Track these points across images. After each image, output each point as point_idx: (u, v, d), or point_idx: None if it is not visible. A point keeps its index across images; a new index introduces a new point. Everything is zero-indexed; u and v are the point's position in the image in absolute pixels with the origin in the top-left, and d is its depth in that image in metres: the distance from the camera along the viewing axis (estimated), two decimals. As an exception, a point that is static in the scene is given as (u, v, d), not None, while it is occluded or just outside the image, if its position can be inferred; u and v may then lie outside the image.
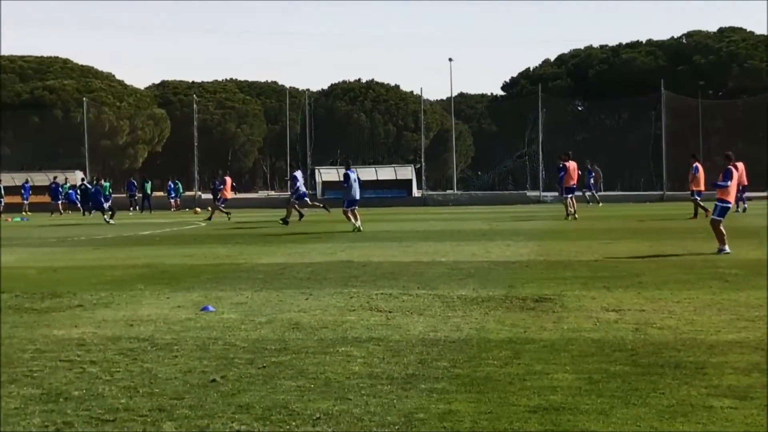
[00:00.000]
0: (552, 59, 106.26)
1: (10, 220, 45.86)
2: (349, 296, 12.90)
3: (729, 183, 19.04)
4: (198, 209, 52.52)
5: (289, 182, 40.86)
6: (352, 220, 28.51)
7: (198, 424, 6.39)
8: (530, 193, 63.00)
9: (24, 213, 53.71)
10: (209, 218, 40.36)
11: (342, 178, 30.60)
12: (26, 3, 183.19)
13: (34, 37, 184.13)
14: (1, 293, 13.98)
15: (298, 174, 35.91)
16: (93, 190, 44.08)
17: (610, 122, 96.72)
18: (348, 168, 30.07)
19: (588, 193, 46.29)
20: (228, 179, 44.40)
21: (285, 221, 33.00)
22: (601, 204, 44.78)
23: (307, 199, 35.50)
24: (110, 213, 40.21)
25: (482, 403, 6.84)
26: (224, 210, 41.00)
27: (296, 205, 35.05)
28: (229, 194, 44.73)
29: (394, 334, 9.76)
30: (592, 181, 47.54)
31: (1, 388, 7.58)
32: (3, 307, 12.53)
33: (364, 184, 61.81)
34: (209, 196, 59.75)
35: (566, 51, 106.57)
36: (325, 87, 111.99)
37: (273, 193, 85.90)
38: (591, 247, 20.56)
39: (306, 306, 12.02)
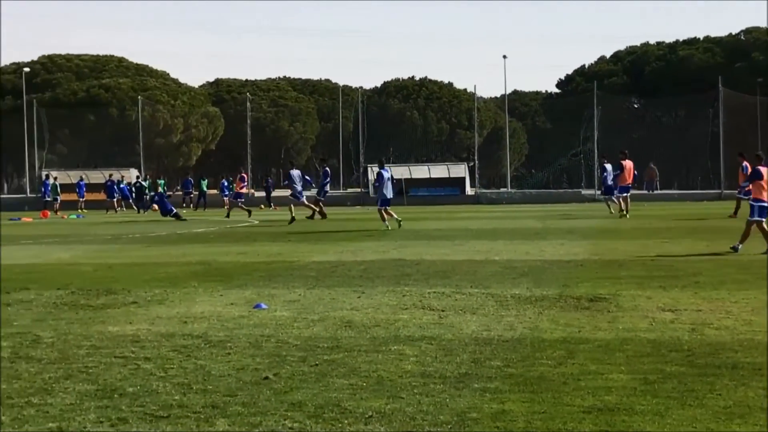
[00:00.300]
0: (608, 56, 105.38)
1: (66, 217, 46.49)
2: (401, 294, 12.90)
3: (751, 183, 19.47)
4: (262, 206, 53.14)
5: (286, 182, 41.18)
6: (386, 219, 28.65)
7: (251, 421, 6.43)
8: (585, 192, 62.56)
9: (80, 210, 54.43)
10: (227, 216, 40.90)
11: (375, 177, 30.76)
12: (82, 3, 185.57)
13: (89, 35, 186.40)
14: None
15: (294, 173, 35.98)
16: (155, 195, 45.04)
17: (666, 120, 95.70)
18: (382, 167, 30.06)
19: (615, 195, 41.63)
20: (245, 175, 45.23)
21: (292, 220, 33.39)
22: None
23: (304, 200, 35.93)
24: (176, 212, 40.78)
25: (536, 403, 6.81)
26: (244, 207, 41.53)
27: (320, 203, 35.13)
28: (245, 190, 45.81)
29: (446, 333, 9.74)
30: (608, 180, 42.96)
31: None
32: (59, 303, 12.71)
33: (417, 183, 62.11)
34: (262, 193, 60.21)
35: (622, 48, 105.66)
36: (378, 84, 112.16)
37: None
38: (646, 246, 20.37)
39: (358, 304, 12.04)
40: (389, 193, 28.99)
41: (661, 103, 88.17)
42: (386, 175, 29.15)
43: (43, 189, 55.60)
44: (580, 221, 32.24)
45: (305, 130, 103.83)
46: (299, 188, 35.11)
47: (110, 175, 58.72)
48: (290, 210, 34.71)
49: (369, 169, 67.21)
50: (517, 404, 6.76)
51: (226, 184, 61.98)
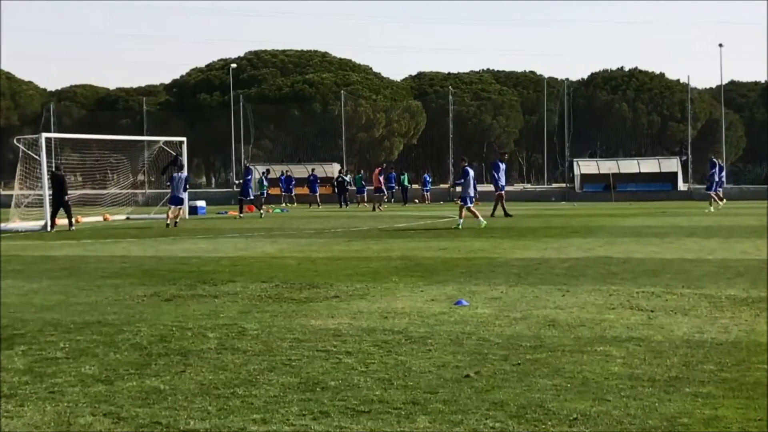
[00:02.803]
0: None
1: (271, 211, 48.00)
2: (608, 294, 12.69)
3: None
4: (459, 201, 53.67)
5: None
6: (461, 217, 29.36)
7: (451, 419, 6.46)
8: (808, 187, 59.83)
9: (284, 204, 56.11)
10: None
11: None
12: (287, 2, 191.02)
13: (294, 31, 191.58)
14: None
15: (252, 169, 37.08)
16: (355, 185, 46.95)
17: None
18: (468, 164, 30.74)
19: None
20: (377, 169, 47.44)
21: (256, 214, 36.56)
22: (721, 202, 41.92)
23: (251, 197, 37.44)
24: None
25: (751, 409, 6.57)
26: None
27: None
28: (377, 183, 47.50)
29: (656, 335, 9.52)
30: (715, 177, 42.95)
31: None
32: (264, 296, 13.14)
33: (625, 178, 61.07)
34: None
35: None
36: (585, 76, 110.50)
37: (529, 186, 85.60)
38: None
39: (562, 303, 11.92)
40: (471, 191, 29.57)
41: None
42: (471, 173, 29.91)
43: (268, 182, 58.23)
44: (802, 219, 30.85)
45: (508, 123, 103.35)
46: (249, 186, 39.48)
47: (313, 170, 60.29)
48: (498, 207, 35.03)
49: (575, 163, 66.46)
50: (731, 410, 6.54)
51: (428, 178, 62.57)
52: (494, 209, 35.67)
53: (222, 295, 13.33)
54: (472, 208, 29.39)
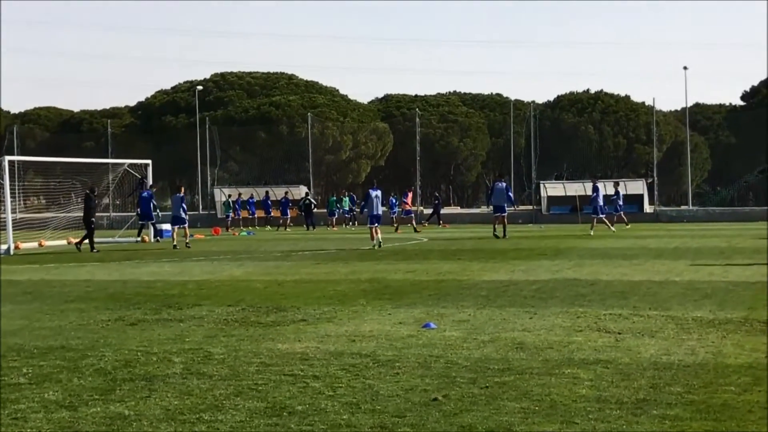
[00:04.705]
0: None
1: (237, 233, 47.86)
2: (575, 316, 12.74)
3: None
4: (426, 224, 53.99)
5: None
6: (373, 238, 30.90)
7: (419, 443, 6.45)
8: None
9: (251, 227, 56.01)
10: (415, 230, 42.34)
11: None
12: (252, 24, 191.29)
13: (260, 53, 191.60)
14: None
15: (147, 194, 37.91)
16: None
17: None
18: (373, 187, 32.82)
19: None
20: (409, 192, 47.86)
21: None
22: None
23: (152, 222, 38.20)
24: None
25: (719, 431, 6.60)
26: (414, 224, 42.95)
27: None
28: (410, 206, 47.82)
29: (623, 357, 9.57)
30: (599, 200, 42.27)
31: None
32: (230, 319, 13.08)
33: (589, 199, 61.43)
34: (430, 210, 60.63)
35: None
36: (551, 98, 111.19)
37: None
38: (842, 267, 19.50)
39: (530, 325, 11.95)
40: (376, 210, 31.47)
41: None
42: (373, 194, 31.76)
43: (235, 206, 57.88)
44: (768, 240, 31.13)
45: (475, 145, 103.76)
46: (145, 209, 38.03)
47: (285, 193, 60.47)
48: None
49: (542, 185, 66.72)
50: (699, 433, 6.57)
51: (394, 201, 62.71)
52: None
53: (188, 319, 13.26)
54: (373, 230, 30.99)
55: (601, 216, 40.79)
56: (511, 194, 37.23)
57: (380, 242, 30.98)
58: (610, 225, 41.36)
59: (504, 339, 10.86)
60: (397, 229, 45.44)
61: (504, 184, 36.03)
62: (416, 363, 9.43)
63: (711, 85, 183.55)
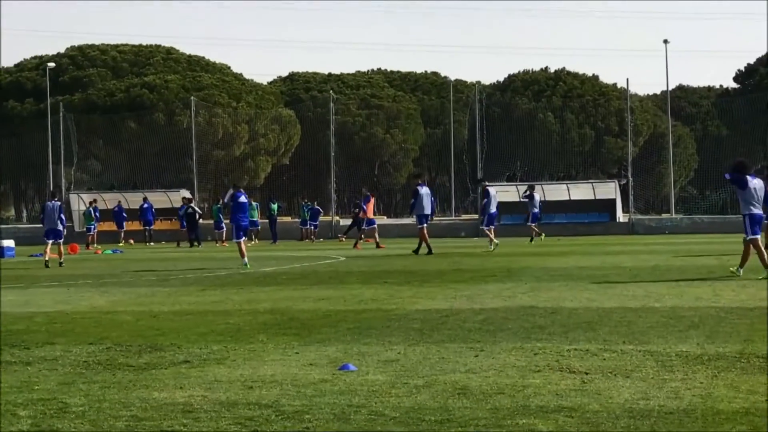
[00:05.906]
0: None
1: (101, 252, 47.46)
2: (532, 353, 12.86)
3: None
4: (343, 238, 54.09)
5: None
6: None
7: None
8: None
9: (121, 243, 55.69)
10: (354, 246, 42.93)
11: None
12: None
13: (130, 20, 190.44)
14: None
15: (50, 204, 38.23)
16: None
17: None
18: (419, 184, 35.18)
19: None
20: (372, 197, 47.14)
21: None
22: None
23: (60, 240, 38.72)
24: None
25: (710, 496, 6.73)
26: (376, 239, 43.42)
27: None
28: (371, 214, 47.46)
29: (591, 403, 9.69)
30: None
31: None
32: (92, 362, 12.99)
33: (552, 207, 62.41)
34: (349, 221, 60.77)
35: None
36: (501, 79, 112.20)
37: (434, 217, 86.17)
38: None
39: (476, 365, 12.04)
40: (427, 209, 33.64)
41: None
42: (422, 190, 33.77)
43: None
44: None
45: (406, 138, 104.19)
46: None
47: (144, 198, 60.25)
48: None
49: (489, 189, 67.20)
50: (685, 497, 6.69)
51: (306, 209, 62.80)
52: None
53: (37, 361, 13.12)
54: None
55: (485, 228, 42.93)
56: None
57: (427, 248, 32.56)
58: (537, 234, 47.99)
59: (442, 383, 10.92)
60: (356, 245, 45.43)
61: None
62: (331, 415, 9.45)
63: (697, 63, 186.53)
